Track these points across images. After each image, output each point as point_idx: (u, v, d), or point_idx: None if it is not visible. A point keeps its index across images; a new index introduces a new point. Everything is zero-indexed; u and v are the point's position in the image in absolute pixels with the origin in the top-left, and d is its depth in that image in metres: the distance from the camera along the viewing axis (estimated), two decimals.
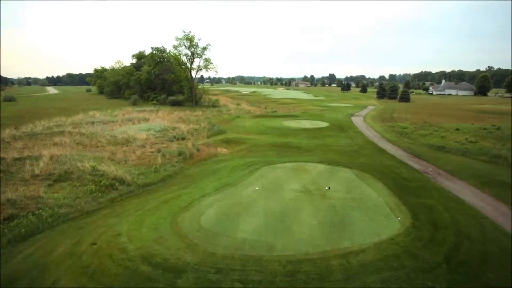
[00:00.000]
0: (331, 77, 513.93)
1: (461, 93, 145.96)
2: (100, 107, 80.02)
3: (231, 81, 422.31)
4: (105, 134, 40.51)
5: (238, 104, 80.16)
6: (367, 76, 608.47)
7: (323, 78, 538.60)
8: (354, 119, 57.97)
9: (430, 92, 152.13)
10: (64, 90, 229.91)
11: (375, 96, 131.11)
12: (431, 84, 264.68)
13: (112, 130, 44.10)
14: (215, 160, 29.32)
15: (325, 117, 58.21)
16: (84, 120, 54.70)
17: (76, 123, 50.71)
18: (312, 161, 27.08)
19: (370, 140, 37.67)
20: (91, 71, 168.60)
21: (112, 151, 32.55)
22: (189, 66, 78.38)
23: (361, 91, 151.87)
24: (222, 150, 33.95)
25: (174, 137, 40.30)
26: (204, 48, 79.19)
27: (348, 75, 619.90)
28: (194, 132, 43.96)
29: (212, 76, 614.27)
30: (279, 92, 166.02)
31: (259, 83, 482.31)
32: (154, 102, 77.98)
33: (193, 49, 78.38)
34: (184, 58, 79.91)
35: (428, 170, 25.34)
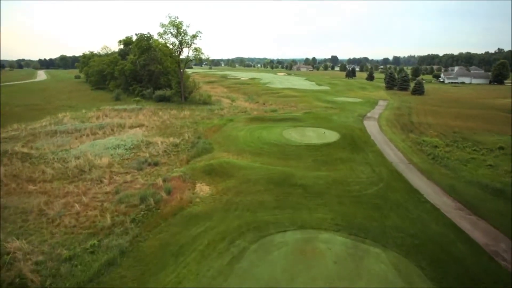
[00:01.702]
0: (334, 59, 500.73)
1: (475, 81, 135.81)
2: (77, 104, 71.01)
3: (230, 63, 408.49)
4: (57, 158, 31.95)
5: (233, 101, 70.98)
6: (370, 58, 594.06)
7: (325, 60, 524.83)
8: (367, 124, 49.12)
9: (442, 80, 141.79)
10: (53, 75, 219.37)
11: (383, 85, 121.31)
12: (439, 69, 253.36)
13: (71, 148, 35.41)
14: (187, 216, 20.85)
15: (333, 122, 49.42)
16: (47, 128, 46.01)
17: (33, 134, 42.11)
18: (325, 227, 18.63)
19: (396, 169, 29.03)
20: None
21: (52, 193, 24.16)
22: (177, 56, 68.48)
23: (367, 79, 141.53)
24: (202, 188, 25.49)
25: (146, 161, 31.74)
26: (194, 36, 69.19)
27: (351, 57, 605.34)
28: (173, 151, 35.33)
29: (210, 58, 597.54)
30: (280, 79, 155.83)
31: (259, 65, 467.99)
32: (138, 99, 68.59)
33: (181, 37, 68.42)
34: (172, 48, 69.97)
35: (500, 249, 16.96)
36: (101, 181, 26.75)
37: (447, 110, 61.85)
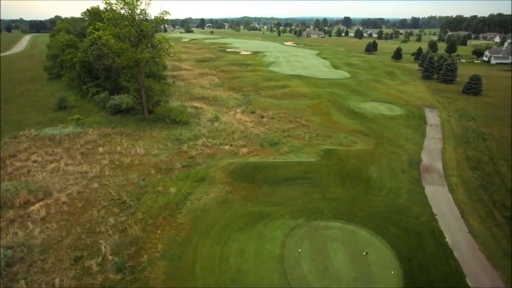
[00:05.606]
0: (347, 21, 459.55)
1: None
2: None
3: (234, 26, 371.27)
4: None
5: (216, 117, 49.02)
6: (385, 18, 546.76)
7: (337, 21, 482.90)
8: (434, 201, 28.04)
9: (487, 60, 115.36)
10: (35, 43, 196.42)
11: (415, 67, 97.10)
12: (469, 36, 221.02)
13: None
14: None
15: (373, 194, 28.72)
16: None
17: None
18: None
19: None
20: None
21: None
22: (133, 53, 45.54)
23: (393, 57, 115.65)
24: None
25: None
26: (158, 21, 46.13)
27: (365, 17, 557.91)
28: None
29: (214, 18, 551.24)
30: (287, 55, 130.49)
31: (265, 28, 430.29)
32: (77, 116, 46.70)
33: (137, 24, 45.21)
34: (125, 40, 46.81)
35: None
36: None
37: None
